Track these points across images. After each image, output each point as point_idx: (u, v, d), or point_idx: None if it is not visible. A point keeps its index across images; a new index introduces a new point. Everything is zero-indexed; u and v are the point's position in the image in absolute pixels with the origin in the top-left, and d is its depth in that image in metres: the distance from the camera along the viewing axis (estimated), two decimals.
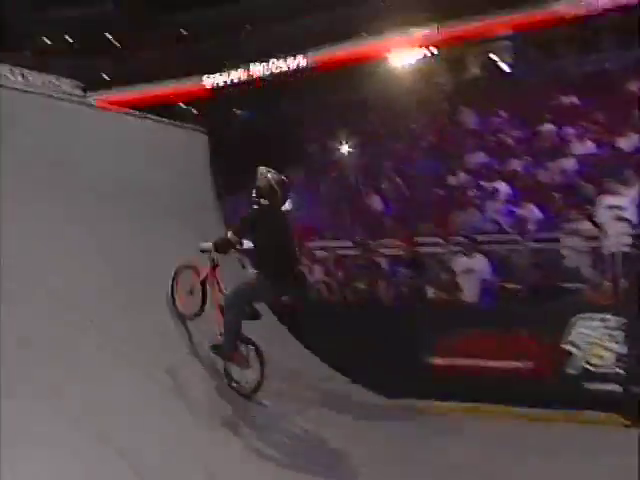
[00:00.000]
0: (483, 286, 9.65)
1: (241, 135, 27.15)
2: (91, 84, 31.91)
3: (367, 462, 6.16)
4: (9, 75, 27.82)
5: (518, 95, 18.95)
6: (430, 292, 9.94)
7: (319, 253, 11.72)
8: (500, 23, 28.29)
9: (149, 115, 10.06)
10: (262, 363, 6.32)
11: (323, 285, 10.78)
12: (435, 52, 29.78)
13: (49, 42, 41.55)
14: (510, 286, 9.78)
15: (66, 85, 29.94)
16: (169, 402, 5.84)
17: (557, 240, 10.36)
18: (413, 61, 30.17)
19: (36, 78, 28.71)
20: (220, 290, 6.67)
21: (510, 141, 15.41)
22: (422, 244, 10.88)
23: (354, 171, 17.85)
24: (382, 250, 11.06)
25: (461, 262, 10.05)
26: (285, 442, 6.34)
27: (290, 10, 34.77)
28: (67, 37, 41.05)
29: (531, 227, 11.06)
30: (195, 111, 36.10)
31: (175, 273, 7.07)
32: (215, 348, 6.59)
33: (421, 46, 29.98)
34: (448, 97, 21.87)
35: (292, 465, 5.82)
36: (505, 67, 27.87)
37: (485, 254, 9.97)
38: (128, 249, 7.26)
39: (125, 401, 5.35)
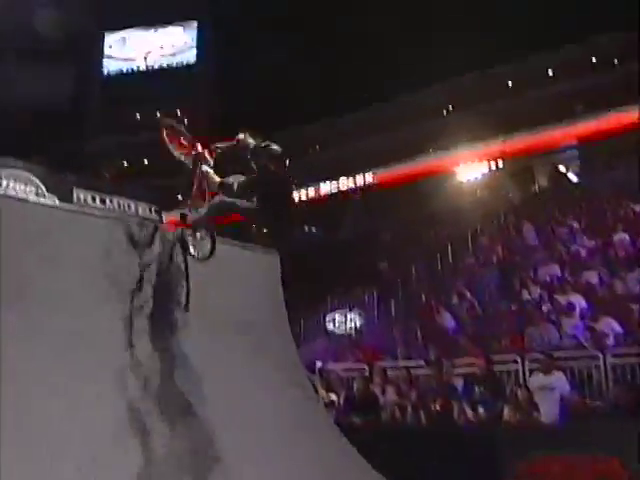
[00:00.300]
0: (562, 404, 9.32)
1: (312, 253, 27.58)
2: (166, 204, 33.15)
3: None
4: (89, 200, 29.22)
5: (588, 205, 18.83)
6: (506, 412, 9.61)
7: (392, 373, 11.59)
8: (564, 134, 28.56)
9: (220, 237, 10.29)
10: (213, 237, 6.98)
11: (396, 407, 10.57)
12: (501, 165, 30.07)
13: (126, 164, 43.95)
14: (591, 403, 9.45)
15: (142, 208, 31.13)
16: None
17: (638, 354, 9.99)
18: (479, 174, 30.47)
19: (114, 202, 29.97)
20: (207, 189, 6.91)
21: (583, 252, 15.18)
22: (497, 362, 10.66)
23: (424, 288, 17.81)
24: (456, 369, 10.85)
25: (538, 380, 9.76)
26: None
27: (357, 131, 36.04)
28: (144, 159, 43.37)
29: (610, 341, 10.73)
30: (265, 229, 36.85)
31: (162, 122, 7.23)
32: (183, 218, 7.15)
33: (487, 159, 30.36)
34: (516, 209, 21.89)
35: None
36: (573, 177, 27.81)
37: (563, 370, 9.69)
38: (201, 370, 7.29)
39: None
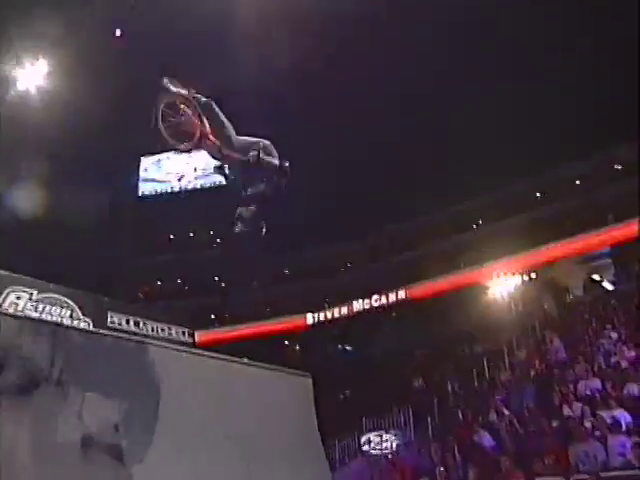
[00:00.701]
0: None
1: (345, 372, 27.20)
2: (199, 324, 33.20)
3: None
4: (124, 323, 29.36)
5: (625, 313, 18.45)
6: None
7: None
8: (596, 242, 28.37)
9: (252, 362, 10.21)
10: None
11: None
12: (534, 276, 29.85)
13: (160, 284, 44.35)
14: None
15: (176, 331, 31.15)
16: None
17: None
18: (512, 287, 30.19)
19: (147, 325, 30.10)
20: None
21: (624, 363, 14.72)
22: None
23: (461, 405, 17.35)
24: None
25: None
26: None
27: (387, 247, 36.29)
28: (177, 279, 43.75)
29: None
30: (298, 347, 36.76)
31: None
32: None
33: (520, 272, 30.14)
34: (552, 321, 21.53)
35: None
36: (607, 285, 27.43)
37: None
38: None
39: None
